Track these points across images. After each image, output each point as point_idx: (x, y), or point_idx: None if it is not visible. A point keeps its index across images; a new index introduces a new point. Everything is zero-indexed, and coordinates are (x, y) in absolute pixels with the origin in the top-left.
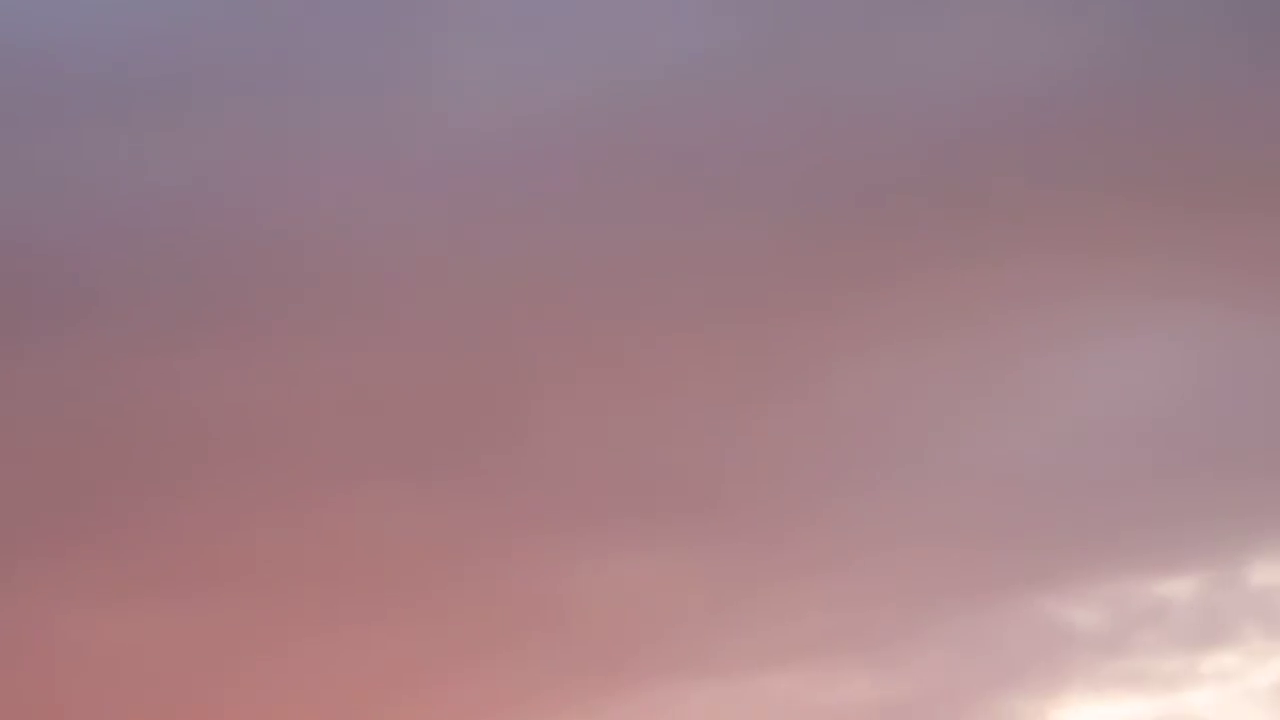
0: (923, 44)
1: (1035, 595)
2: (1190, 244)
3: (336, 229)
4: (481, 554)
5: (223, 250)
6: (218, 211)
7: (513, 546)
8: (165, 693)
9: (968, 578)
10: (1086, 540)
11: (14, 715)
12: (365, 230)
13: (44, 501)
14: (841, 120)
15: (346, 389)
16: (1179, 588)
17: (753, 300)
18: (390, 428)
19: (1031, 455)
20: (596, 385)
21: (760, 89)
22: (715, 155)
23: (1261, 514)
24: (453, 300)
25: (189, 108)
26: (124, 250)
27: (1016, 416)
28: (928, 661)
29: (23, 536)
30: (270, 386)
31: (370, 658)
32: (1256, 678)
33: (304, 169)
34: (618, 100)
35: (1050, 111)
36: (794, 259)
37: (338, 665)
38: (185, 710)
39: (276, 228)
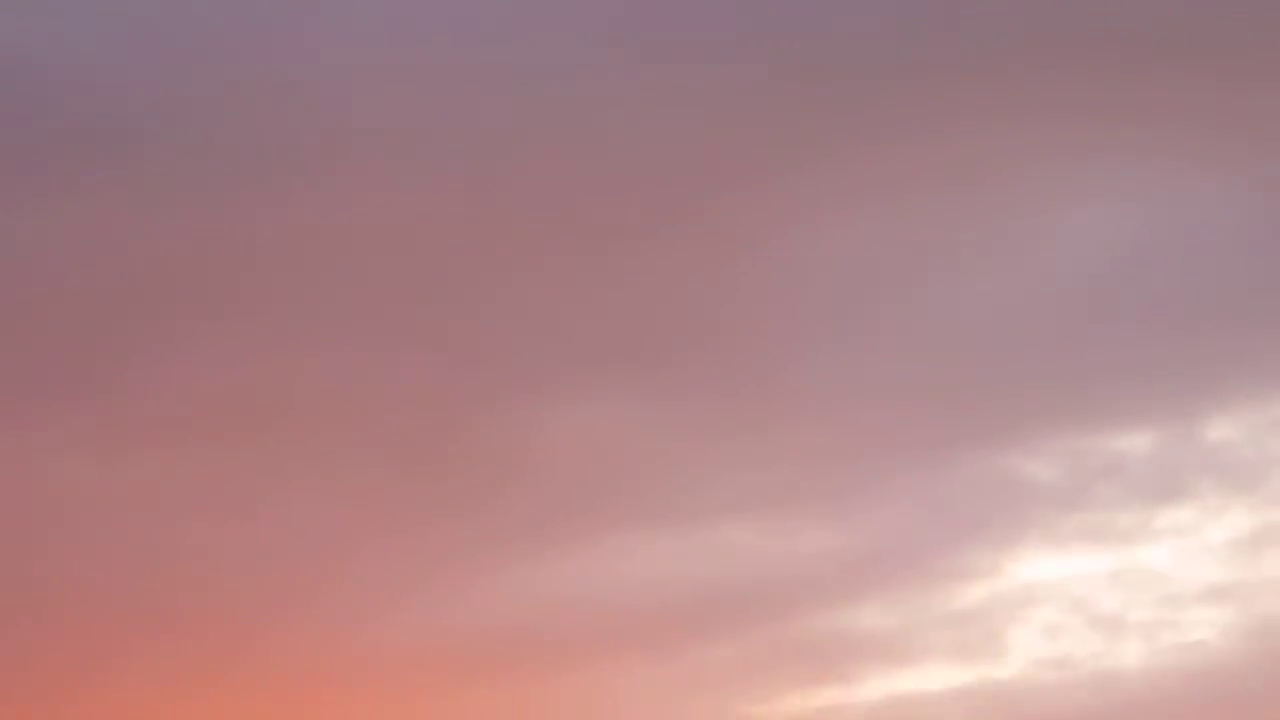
0: None
1: (994, 449)
2: (1150, 105)
3: (334, 82)
4: (457, 404)
5: (220, 103)
6: (220, 61)
7: (486, 397)
8: (156, 537)
9: (927, 431)
10: (1045, 395)
11: (10, 559)
12: (362, 84)
13: (38, 354)
14: None
15: (332, 246)
16: (1136, 442)
17: (723, 158)
18: (373, 283)
19: (993, 312)
20: (567, 240)
21: None
22: (694, 6)
23: (1218, 369)
24: (438, 156)
25: None
26: (122, 101)
27: (978, 275)
28: (886, 513)
29: (16, 389)
30: (260, 242)
31: (351, 505)
32: (1212, 532)
33: (306, 22)
34: None
35: None
36: (766, 120)
37: (318, 514)
38: (176, 554)
39: (275, 81)
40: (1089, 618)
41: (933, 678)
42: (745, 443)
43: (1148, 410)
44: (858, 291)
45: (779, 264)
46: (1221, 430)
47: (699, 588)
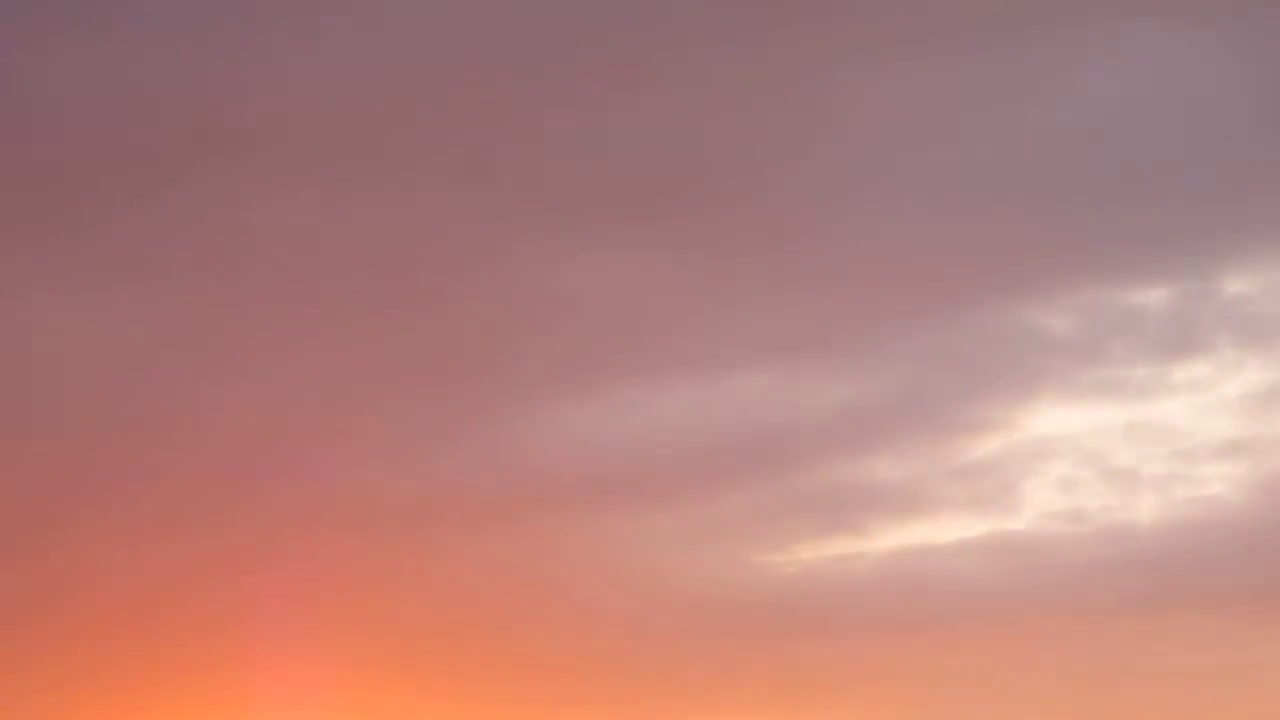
0: None
1: (1010, 302)
2: None
3: None
4: (470, 251)
5: None
6: None
7: (499, 244)
8: (140, 373)
9: (943, 283)
10: (1062, 248)
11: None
12: None
13: (22, 185)
14: None
15: (333, 85)
16: (1152, 296)
17: (754, 6)
18: (379, 122)
19: (1010, 165)
20: (586, 89)
21: None
22: None
23: (1236, 224)
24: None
25: None
26: None
27: (994, 128)
28: (901, 365)
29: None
30: (256, 78)
31: (355, 352)
32: (1227, 387)
33: None
34: None
35: None
36: None
37: (317, 359)
38: (153, 395)
39: None
40: (1103, 471)
41: (945, 529)
42: (760, 293)
43: (1165, 264)
44: (872, 145)
45: (798, 119)
46: (1239, 285)
47: (714, 438)
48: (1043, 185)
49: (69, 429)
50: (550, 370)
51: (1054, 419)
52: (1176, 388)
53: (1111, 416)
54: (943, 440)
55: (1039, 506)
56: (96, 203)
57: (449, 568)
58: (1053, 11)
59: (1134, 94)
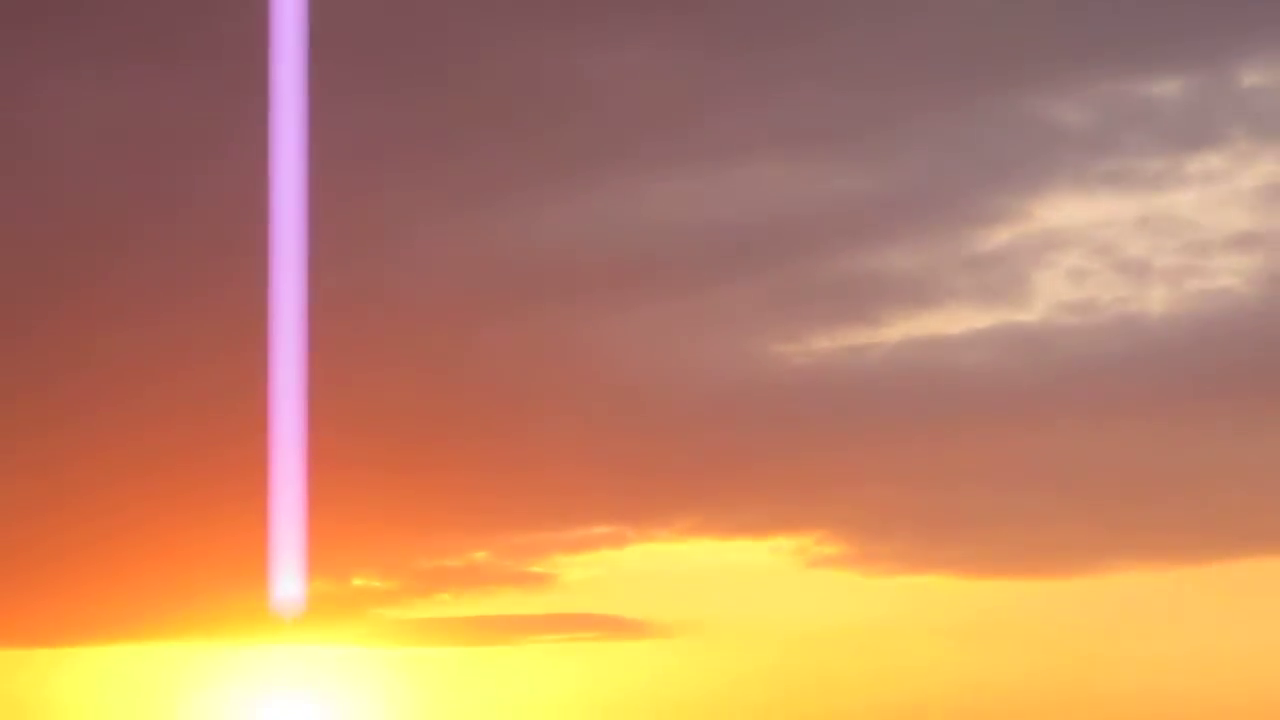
0: None
1: (1023, 92)
2: None
3: None
4: (470, 31)
5: None
6: None
7: (500, 28)
8: (156, 160)
9: (956, 70)
10: (1076, 39)
11: (11, 186)
12: None
13: None
14: None
15: None
16: (1167, 87)
17: None
18: None
19: None
20: None
21: None
22: None
23: (1254, 14)
24: None
25: None
26: None
27: None
28: (913, 154)
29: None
30: None
31: (368, 128)
32: (1241, 179)
33: None
34: None
35: None
36: None
37: (326, 140)
38: (179, 177)
39: None
40: (1115, 262)
41: (957, 320)
42: (773, 85)
43: (1180, 55)
44: None
45: None
46: (1255, 77)
47: (727, 226)
48: None
49: (73, 209)
50: (557, 158)
51: (1066, 210)
52: (1190, 179)
53: (1124, 208)
54: (955, 231)
55: (1050, 298)
56: None
57: (448, 359)
58: None
59: None
